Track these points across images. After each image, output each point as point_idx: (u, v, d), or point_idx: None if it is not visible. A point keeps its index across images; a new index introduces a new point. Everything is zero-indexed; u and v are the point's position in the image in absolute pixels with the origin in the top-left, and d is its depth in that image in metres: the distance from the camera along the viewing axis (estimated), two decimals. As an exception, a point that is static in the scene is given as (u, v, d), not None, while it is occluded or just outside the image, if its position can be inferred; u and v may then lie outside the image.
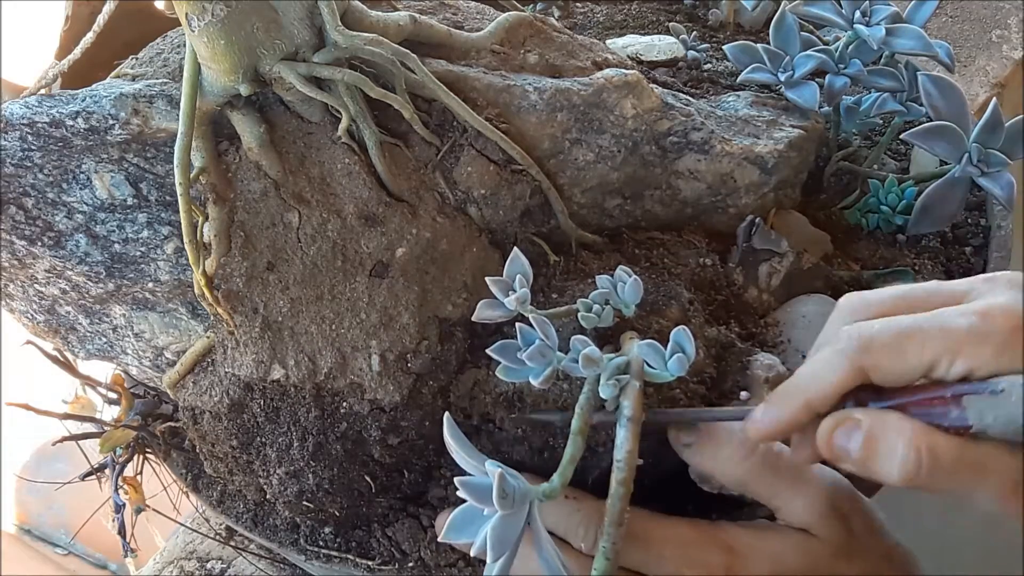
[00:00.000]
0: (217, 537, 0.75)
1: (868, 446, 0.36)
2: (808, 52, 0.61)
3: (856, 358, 0.37)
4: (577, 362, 0.42)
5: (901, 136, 0.60)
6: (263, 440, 0.52)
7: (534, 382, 0.43)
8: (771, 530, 0.44)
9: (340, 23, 0.49)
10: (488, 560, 0.38)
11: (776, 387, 0.40)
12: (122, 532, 0.62)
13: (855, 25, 0.60)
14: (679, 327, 0.44)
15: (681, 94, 0.61)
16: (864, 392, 0.38)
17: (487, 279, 0.47)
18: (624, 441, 0.40)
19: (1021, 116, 0.57)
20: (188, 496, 0.61)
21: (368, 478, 0.52)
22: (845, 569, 0.42)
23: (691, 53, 0.71)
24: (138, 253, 0.53)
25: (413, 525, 0.53)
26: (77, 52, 0.55)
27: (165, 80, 0.53)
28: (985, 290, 0.38)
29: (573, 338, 0.43)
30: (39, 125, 0.50)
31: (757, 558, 0.42)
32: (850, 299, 0.41)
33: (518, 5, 0.63)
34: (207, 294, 0.50)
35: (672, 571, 0.43)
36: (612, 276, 0.48)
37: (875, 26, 0.60)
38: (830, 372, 0.38)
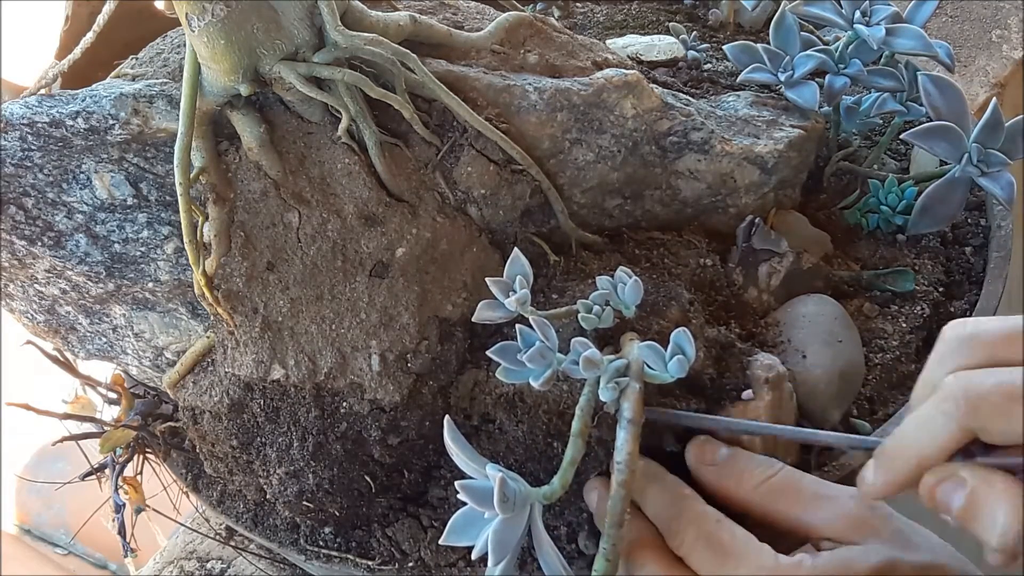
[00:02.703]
0: (217, 537, 0.75)
1: (970, 507, 0.35)
2: (808, 52, 0.61)
3: (964, 421, 0.35)
4: (577, 364, 0.42)
5: (901, 136, 0.59)
6: (263, 440, 0.52)
7: (534, 384, 0.43)
8: (824, 554, 0.42)
9: (340, 23, 0.49)
10: (489, 564, 0.38)
11: (884, 450, 0.39)
12: (122, 532, 0.62)
13: (855, 25, 0.60)
14: (679, 329, 0.44)
15: (681, 94, 0.61)
16: (973, 444, 0.36)
17: (488, 280, 0.47)
18: (624, 443, 0.40)
19: (1021, 116, 0.56)
20: (188, 496, 0.61)
21: (368, 478, 0.52)
22: (911, 556, 0.41)
23: (691, 53, 0.71)
24: (138, 253, 0.53)
25: (413, 525, 0.53)
26: (77, 52, 0.55)
27: (165, 80, 0.53)
28: None
29: (573, 340, 0.43)
30: (39, 125, 0.50)
31: None
32: (957, 332, 0.38)
33: (518, 5, 0.62)
34: (207, 294, 0.50)
35: None
36: (612, 277, 0.48)
37: (875, 26, 0.60)
38: (937, 435, 0.36)
